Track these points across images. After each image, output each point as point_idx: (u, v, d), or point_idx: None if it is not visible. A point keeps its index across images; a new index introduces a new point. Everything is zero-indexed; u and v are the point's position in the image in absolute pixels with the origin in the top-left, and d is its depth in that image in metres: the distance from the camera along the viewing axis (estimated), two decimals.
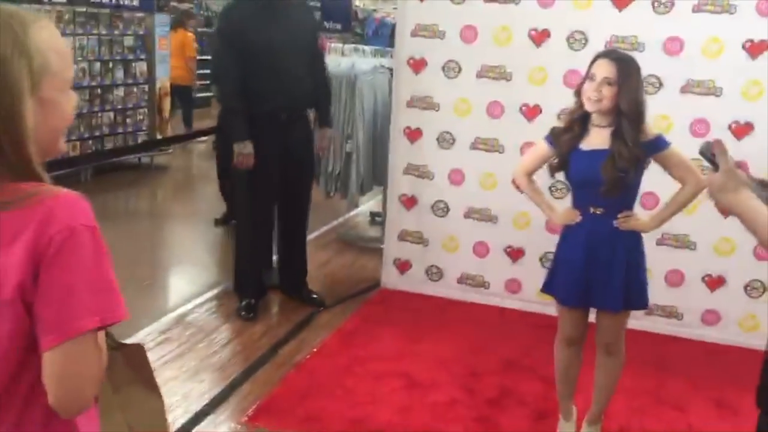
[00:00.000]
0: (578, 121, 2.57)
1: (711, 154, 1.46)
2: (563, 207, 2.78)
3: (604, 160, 2.47)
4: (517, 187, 3.97)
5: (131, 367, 1.31)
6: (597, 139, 2.54)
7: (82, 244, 1.05)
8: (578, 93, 2.57)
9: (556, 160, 2.64)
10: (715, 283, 3.90)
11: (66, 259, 1.03)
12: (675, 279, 3.94)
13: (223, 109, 3.81)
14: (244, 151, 3.72)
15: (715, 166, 1.45)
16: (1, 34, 1.03)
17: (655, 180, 2.70)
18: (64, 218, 1.05)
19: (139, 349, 1.36)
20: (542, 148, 2.72)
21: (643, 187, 2.66)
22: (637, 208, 2.67)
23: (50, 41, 1.08)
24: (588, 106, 2.51)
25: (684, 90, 3.75)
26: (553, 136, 2.66)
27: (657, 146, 2.53)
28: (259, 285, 4.13)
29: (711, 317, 3.94)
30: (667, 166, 2.56)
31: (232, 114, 3.76)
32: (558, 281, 2.72)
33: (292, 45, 3.77)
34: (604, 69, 2.47)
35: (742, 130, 3.70)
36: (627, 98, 2.45)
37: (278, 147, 3.82)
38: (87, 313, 1.05)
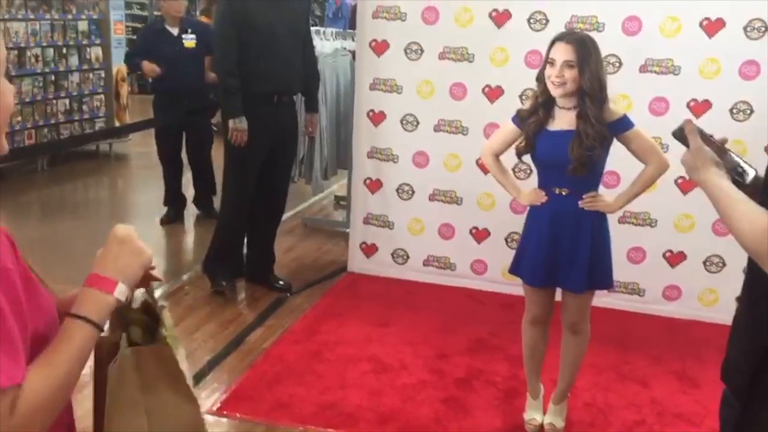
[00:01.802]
0: (542, 106, 2.59)
1: (680, 131, 1.49)
2: (528, 188, 2.79)
3: (571, 139, 2.49)
4: (484, 168, 4.00)
5: (162, 367, 1.15)
6: (563, 120, 2.56)
7: None
8: (540, 78, 2.59)
9: (522, 143, 2.65)
10: (675, 259, 3.98)
11: None
12: (636, 256, 4.01)
13: (221, 86, 3.83)
14: (239, 126, 3.78)
15: (686, 145, 1.48)
16: None
17: (617, 159, 2.73)
18: None
19: (168, 349, 1.18)
20: (509, 128, 2.73)
21: (606, 167, 2.69)
22: (600, 189, 2.70)
23: None
24: (553, 91, 2.52)
25: (643, 69, 3.80)
26: (520, 119, 2.67)
27: (622, 126, 2.55)
28: (236, 268, 4.14)
29: (672, 293, 4.03)
30: (631, 146, 2.59)
31: (229, 90, 3.80)
32: (524, 262, 2.74)
33: (289, 30, 3.85)
34: (563, 52, 2.48)
35: (700, 107, 3.76)
36: (588, 78, 2.46)
37: (268, 128, 3.87)
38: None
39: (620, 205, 2.69)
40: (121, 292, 1.06)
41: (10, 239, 0.99)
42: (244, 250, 4.27)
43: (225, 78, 3.80)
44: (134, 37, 10.18)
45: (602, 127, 2.48)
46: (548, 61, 2.52)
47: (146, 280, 1.17)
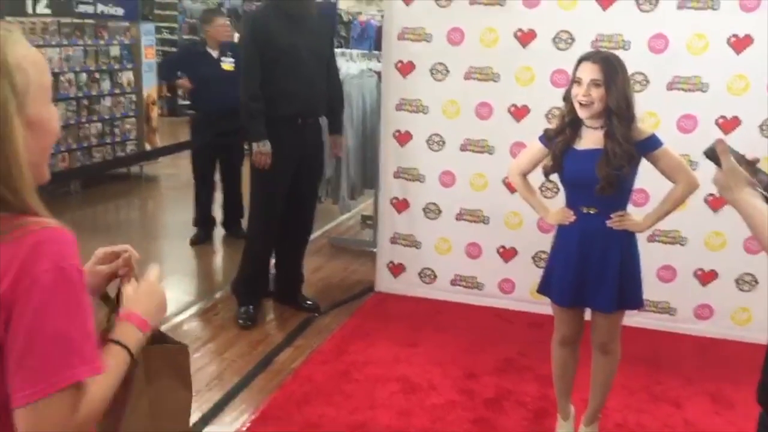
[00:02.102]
0: (570, 125, 2.59)
1: (712, 151, 1.49)
2: (556, 207, 2.79)
3: (599, 159, 2.48)
4: (510, 187, 4.01)
5: (170, 365, 1.33)
6: (590, 140, 2.56)
7: (73, 288, 0.96)
8: (567, 98, 2.59)
9: (550, 162, 2.65)
10: (707, 277, 3.93)
11: (55, 302, 0.94)
12: (667, 275, 3.96)
13: (243, 109, 3.87)
14: (263, 149, 3.79)
15: (718, 165, 1.49)
16: None
17: (646, 178, 2.71)
18: (55, 255, 0.95)
19: (182, 351, 1.35)
20: (537, 148, 2.73)
21: (635, 185, 2.68)
22: (629, 207, 2.68)
23: (27, 55, 1.01)
24: (580, 111, 2.52)
25: (670, 86, 3.78)
26: (547, 138, 2.67)
27: (651, 145, 2.54)
28: (262, 290, 4.14)
29: (703, 311, 3.97)
30: (660, 165, 2.57)
31: (251, 114, 3.82)
32: (552, 282, 2.73)
33: (312, 52, 3.87)
34: (590, 71, 2.48)
35: (729, 124, 3.73)
36: (615, 96, 2.46)
37: (293, 151, 3.89)
38: (78, 362, 0.96)
39: (649, 224, 2.67)
40: (149, 330, 1.23)
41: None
42: (272, 271, 4.30)
43: (248, 101, 3.81)
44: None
45: (630, 146, 2.47)
46: (575, 80, 2.53)
47: None
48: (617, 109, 2.47)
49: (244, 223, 4.92)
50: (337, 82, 4.19)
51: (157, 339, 1.32)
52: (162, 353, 1.31)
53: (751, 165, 1.47)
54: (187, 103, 11.00)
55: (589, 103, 2.48)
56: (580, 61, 2.56)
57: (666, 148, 2.57)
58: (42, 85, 1.03)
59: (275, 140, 3.82)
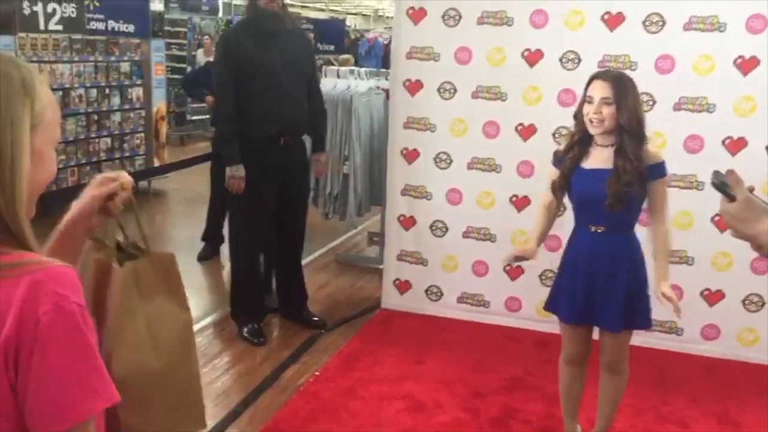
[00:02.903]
0: (578, 143, 2.61)
1: (723, 183, 1.41)
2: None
3: (609, 176, 2.50)
4: (517, 205, 4.04)
5: (160, 277, 1.31)
6: (598, 159, 2.57)
7: (75, 324, 0.96)
8: (577, 117, 2.61)
9: (559, 182, 2.67)
10: (713, 297, 3.93)
11: (58, 340, 0.95)
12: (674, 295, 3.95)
13: (219, 132, 3.84)
14: (236, 174, 3.75)
15: (728, 197, 1.40)
16: (11, 69, 0.99)
17: None
18: (55, 295, 0.95)
19: (169, 258, 1.34)
20: (551, 172, 2.73)
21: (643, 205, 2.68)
22: (637, 227, 2.69)
23: (49, 95, 1.05)
24: (591, 129, 2.54)
25: (677, 107, 3.80)
26: (557, 159, 2.69)
27: (659, 172, 2.56)
28: (261, 309, 4.13)
29: (710, 332, 3.96)
30: (652, 194, 2.58)
31: (226, 138, 3.78)
32: (559, 299, 2.74)
33: (290, 70, 3.81)
34: (601, 89, 2.51)
35: (736, 145, 3.74)
36: (627, 115, 2.48)
37: (276, 171, 3.84)
38: (91, 396, 0.97)
39: (668, 284, 2.62)
40: None
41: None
42: (274, 288, 4.29)
43: (221, 124, 3.75)
44: (173, 76, 10.51)
45: (640, 164, 2.49)
46: (586, 99, 2.55)
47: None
48: (628, 126, 2.49)
49: None
50: (319, 99, 4.13)
51: (142, 252, 1.31)
52: (151, 265, 1.29)
53: (752, 194, 1.40)
54: (195, 118, 11.12)
55: (600, 121, 2.50)
56: (591, 79, 2.58)
57: (666, 179, 2.60)
58: (52, 124, 1.05)
59: (257, 161, 3.75)
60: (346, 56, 5.40)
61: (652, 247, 2.65)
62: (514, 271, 4.23)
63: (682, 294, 3.95)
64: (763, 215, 1.36)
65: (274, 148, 3.81)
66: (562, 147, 2.70)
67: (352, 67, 5.67)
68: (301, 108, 3.90)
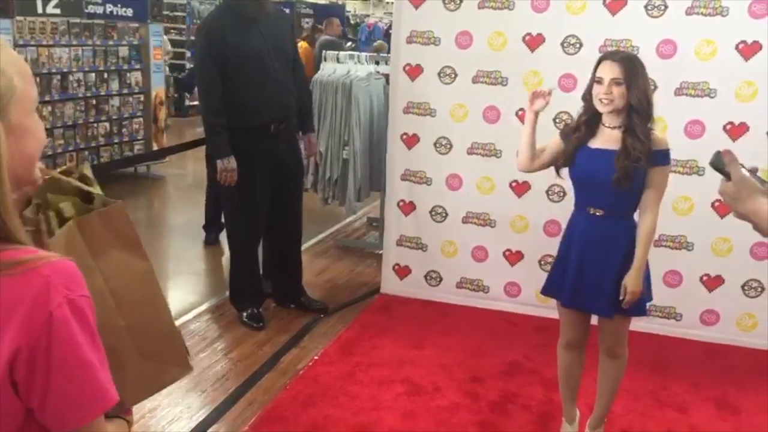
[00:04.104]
0: (586, 123, 2.60)
1: (721, 163, 1.45)
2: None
3: (618, 151, 2.49)
4: (517, 190, 4.04)
5: (110, 230, 1.21)
6: (606, 139, 2.57)
7: (86, 318, 0.96)
8: (586, 98, 2.60)
9: (563, 158, 2.66)
10: (713, 283, 3.93)
11: (74, 335, 0.94)
12: (673, 280, 3.96)
13: (206, 124, 3.78)
14: (228, 166, 3.69)
15: (727, 176, 1.44)
16: None
17: None
18: (60, 290, 0.93)
19: (118, 209, 1.24)
20: (554, 139, 2.73)
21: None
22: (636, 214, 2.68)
23: (12, 62, 0.97)
24: (601, 108, 2.53)
25: (678, 92, 3.78)
26: (564, 134, 2.69)
27: (663, 159, 2.54)
28: (260, 294, 4.13)
29: (710, 317, 3.97)
30: (650, 181, 2.54)
31: (214, 130, 3.70)
32: (555, 282, 2.74)
33: (276, 55, 3.74)
34: (611, 70, 2.50)
35: (737, 130, 3.73)
36: (636, 95, 2.48)
37: (269, 158, 3.81)
38: (108, 387, 0.98)
39: (639, 275, 2.55)
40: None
41: None
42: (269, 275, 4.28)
43: (209, 117, 3.68)
44: (173, 61, 10.46)
45: (649, 143, 2.48)
46: (596, 80, 2.54)
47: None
48: (638, 106, 2.48)
49: None
50: (303, 81, 4.08)
51: (85, 197, 1.20)
52: (98, 219, 1.18)
53: (754, 174, 1.43)
54: (196, 103, 11.08)
55: (610, 101, 2.49)
56: (600, 60, 2.57)
57: (666, 169, 2.57)
58: (26, 93, 0.98)
59: (249, 151, 3.70)
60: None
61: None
62: (513, 256, 4.23)
63: (681, 279, 3.97)
64: (757, 194, 1.38)
65: (266, 135, 3.76)
66: (571, 125, 2.70)
67: (352, 52, 5.63)
68: (290, 93, 3.84)
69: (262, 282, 4.19)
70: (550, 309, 3.15)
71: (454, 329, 4.03)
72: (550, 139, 2.77)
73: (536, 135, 2.74)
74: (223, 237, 5.57)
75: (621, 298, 2.54)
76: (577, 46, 3.88)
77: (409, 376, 3.44)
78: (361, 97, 5.04)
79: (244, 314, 4.00)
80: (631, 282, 2.53)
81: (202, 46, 3.75)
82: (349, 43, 10.22)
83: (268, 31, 3.73)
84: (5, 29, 5.82)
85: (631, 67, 2.50)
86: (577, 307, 2.72)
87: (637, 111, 2.49)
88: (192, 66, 5.93)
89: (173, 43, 11.86)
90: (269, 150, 3.80)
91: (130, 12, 7.25)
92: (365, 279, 4.83)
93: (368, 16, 17.90)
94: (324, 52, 5.60)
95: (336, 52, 5.48)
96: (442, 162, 4.25)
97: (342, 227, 6.01)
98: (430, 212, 4.34)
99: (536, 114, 2.71)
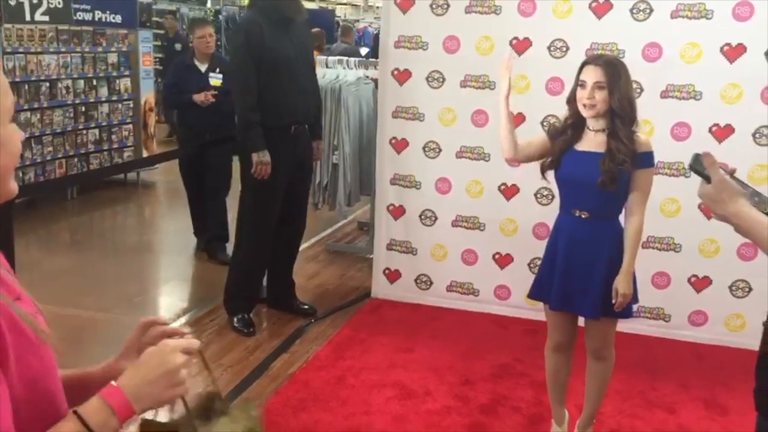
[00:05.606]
0: (572, 126, 2.62)
1: (701, 166, 1.44)
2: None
3: (602, 156, 2.51)
4: (506, 194, 4.05)
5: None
6: (591, 142, 2.59)
7: None
8: (570, 101, 2.62)
9: (548, 160, 2.68)
10: (700, 284, 3.96)
11: None
12: (661, 281, 3.99)
13: (241, 120, 3.84)
14: (264, 159, 3.77)
15: (706, 179, 1.44)
16: None
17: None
18: None
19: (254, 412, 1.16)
20: (539, 134, 2.77)
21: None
22: (621, 217, 2.70)
23: None
24: (584, 112, 2.56)
25: (664, 95, 3.81)
26: (550, 134, 2.71)
27: (647, 161, 2.56)
28: (253, 299, 4.14)
29: (698, 318, 4.00)
30: (634, 183, 2.56)
31: (251, 124, 3.79)
32: (542, 285, 2.75)
33: (303, 61, 3.89)
34: (594, 74, 2.52)
35: (722, 132, 3.76)
36: (618, 98, 2.50)
37: (288, 161, 3.88)
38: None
39: (629, 277, 2.57)
40: (129, 422, 1.02)
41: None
42: (264, 279, 4.27)
43: (246, 112, 3.77)
44: (161, 67, 10.43)
45: (633, 146, 2.50)
46: (579, 84, 2.57)
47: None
48: (620, 110, 2.51)
49: (229, 249, 4.76)
50: (318, 89, 4.23)
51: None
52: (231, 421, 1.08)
53: (733, 176, 1.44)
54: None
55: (592, 105, 2.51)
56: (583, 64, 2.60)
57: (650, 171, 2.59)
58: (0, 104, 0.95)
59: (272, 151, 3.79)
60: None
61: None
62: (503, 259, 4.24)
63: (669, 280, 3.99)
64: (737, 196, 1.39)
65: (287, 136, 3.87)
66: (558, 125, 2.72)
67: (341, 57, 5.65)
68: (313, 98, 4.01)
69: (260, 287, 4.19)
70: (539, 312, 3.16)
71: (444, 332, 4.04)
72: (536, 135, 2.80)
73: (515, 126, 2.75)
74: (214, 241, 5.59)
75: (613, 301, 2.56)
76: (564, 49, 3.91)
77: (400, 380, 3.45)
78: (350, 102, 5.05)
79: (235, 319, 4.00)
80: (622, 285, 2.54)
81: (242, 44, 3.83)
82: (364, 50, 10.23)
83: (297, 38, 3.87)
84: None
85: (613, 71, 2.52)
86: (565, 309, 2.73)
87: (620, 114, 2.51)
88: (166, 78, 5.69)
89: (162, 49, 11.83)
90: (290, 150, 3.89)
91: (119, 18, 7.24)
92: (356, 283, 4.83)
93: (358, 21, 17.91)
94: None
95: (325, 58, 5.49)
96: (431, 166, 4.26)
97: (332, 232, 6.02)
98: (420, 216, 4.35)
99: (508, 100, 2.74)
